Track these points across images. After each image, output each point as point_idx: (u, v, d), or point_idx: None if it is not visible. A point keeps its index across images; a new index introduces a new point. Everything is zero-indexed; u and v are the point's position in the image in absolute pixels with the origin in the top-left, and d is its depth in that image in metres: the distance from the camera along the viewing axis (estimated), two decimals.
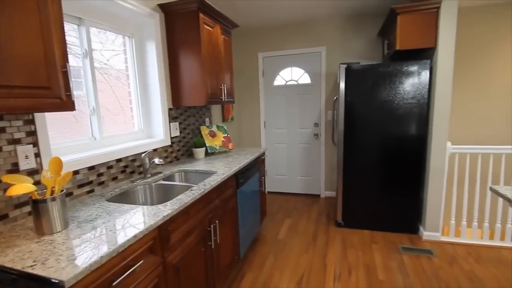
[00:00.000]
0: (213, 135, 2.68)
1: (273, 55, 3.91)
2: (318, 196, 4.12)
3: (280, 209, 3.68)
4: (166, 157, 2.29)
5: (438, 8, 2.38)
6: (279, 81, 3.98)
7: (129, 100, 2.14)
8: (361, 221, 3.01)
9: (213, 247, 1.72)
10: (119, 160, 1.79)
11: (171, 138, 2.34)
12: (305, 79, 3.86)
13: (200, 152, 2.48)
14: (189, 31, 2.17)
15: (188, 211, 1.46)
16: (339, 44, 3.63)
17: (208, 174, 2.04)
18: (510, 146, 2.46)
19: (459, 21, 3.24)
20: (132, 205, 1.35)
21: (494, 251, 2.52)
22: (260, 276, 2.25)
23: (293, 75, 3.91)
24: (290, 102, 3.98)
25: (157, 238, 1.20)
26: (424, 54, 2.83)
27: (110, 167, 1.72)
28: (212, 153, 2.69)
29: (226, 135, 2.79)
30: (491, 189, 1.48)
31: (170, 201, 1.39)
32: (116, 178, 1.77)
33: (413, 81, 2.60)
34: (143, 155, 1.87)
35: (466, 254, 2.50)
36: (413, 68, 2.57)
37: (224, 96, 2.58)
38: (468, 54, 3.27)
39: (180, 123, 2.47)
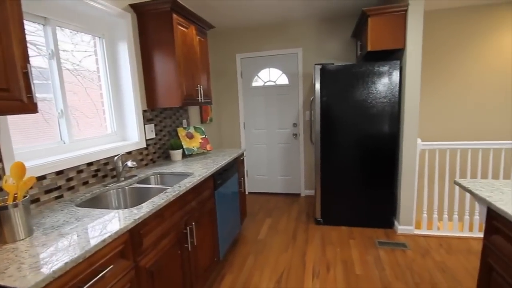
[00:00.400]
0: (190, 136, 2.65)
1: (251, 56, 3.93)
2: (298, 195, 4.18)
3: (261, 209, 3.70)
4: (142, 159, 2.24)
5: (406, 11, 2.48)
6: (257, 82, 4.00)
7: (101, 102, 2.09)
8: (340, 218, 3.08)
9: (190, 249, 1.70)
10: (90, 164, 1.73)
11: (147, 140, 2.29)
12: (283, 80, 3.91)
13: (177, 154, 2.45)
14: (163, 31, 2.14)
15: (162, 214, 1.44)
16: (314, 45, 3.71)
17: (184, 176, 2.02)
18: (475, 142, 2.60)
19: (427, 24, 3.40)
20: (103, 210, 1.31)
21: (464, 242, 2.65)
22: (240, 276, 2.25)
23: (271, 76, 3.94)
24: (269, 102, 4.01)
25: (129, 242, 1.18)
26: (395, 54, 2.94)
27: (80, 172, 1.67)
28: (190, 155, 2.66)
29: (204, 136, 2.77)
30: (455, 182, 1.56)
31: (143, 204, 1.36)
32: (87, 182, 1.72)
33: (385, 81, 2.70)
34: (115, 158, 1.82)
35: (437, 245, 2.61)
36: (384, 68, 2.67)
37: (201, 97, 2.57)
38: (436, 55, 3.43)
39: (155, 125, 2.42)
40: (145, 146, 2.26)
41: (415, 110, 2.61)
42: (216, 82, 4.10)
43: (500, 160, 3.14)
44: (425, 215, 2.80)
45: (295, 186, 4.17)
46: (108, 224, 1.15)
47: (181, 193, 1.57)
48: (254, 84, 4.02)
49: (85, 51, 1.97)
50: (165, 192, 1.53)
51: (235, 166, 2.65)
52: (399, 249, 2.58)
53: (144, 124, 2.26)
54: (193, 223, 1.74)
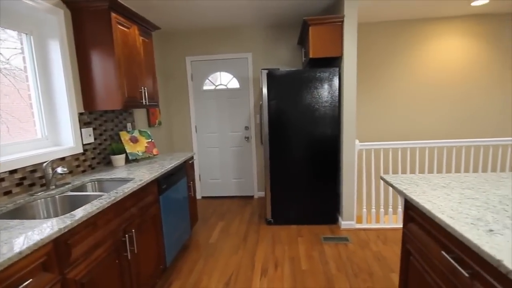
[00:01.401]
0: (134, 140, 2.55)
1: (201, 59, 3.91)
2: (251, 197, 4.23)
3: (214, 213, 3.67)
4: (78, 166, 2.09)
5: (342, 22, 2.69)
6: (208, 85, 3.99)
7: (30, 104, 1.91)
8: (289, 217, 3.19)
9: (129, 257, 1.63)
10: (13, 172, 1.57)
11: (84, 145, 2.15)
12: (234, 83, 3.95)
13: (119, 159, 2.33)
14: (101, 30, 2.04)
15: (95, 222, 1.36)
16: (264, 51, 3.82)
17: (124, 181, 1.93)
18: (405, 142, 2.89)
19: (365, 35, 3.71)
20: (24, 220, 1.20)
21: (397, 233, 2.92)
22: (188, 282, 2.21)
23: (222, 79, 3.96)
24: (221, 106, 4.02)
25: (53, 253, 1.09)
26: (336, 62, 3.16)
27: (1, 180, 1.51)
28: (134, 160, 2.55)
29: (150, 140, 2.68)
30: (381, 178, 1.72)
31: (72, 212, 1.28)
32: (10, 192, 1.56)
33: (326, 86, 2.89)
34: (44, 164, 1.68)
35: (375, 237, 2.85)
36: (325, 74, 2.85)
37: (146, 100, 2.48)
38: (372, 64, 3.76)
39: (94, 129, 2.28)
40: (81, 151, 2.11)
41: (352, 114, 2.83)
42: (165, 85, 4.00)
43: (424, 157, 3.54)
44: (364, 210, 3.04)
45: (248, 188, 4.22)
46: (27, 234, 1.05)
47: (117, 199, 1.50)
48: (205, 87, 3.99)
49: (15, 48, 1.79)
50: (99, 199, 1.45)
51: (184, 170, 2.61)
52: (342, 243, 2.75)
53: (81, 128, 2.12)
54: (133, 231, 1.67)
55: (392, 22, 3.69)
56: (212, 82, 3.98)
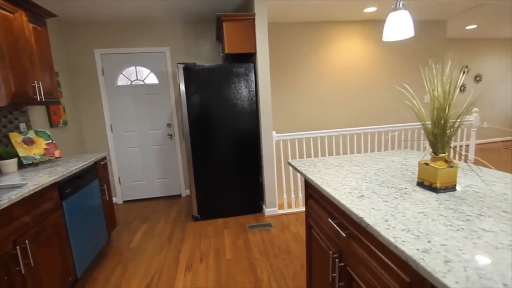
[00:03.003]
0: (30, 142, 2.22)
1: (113, 52, 3.61)
2: (179, 196, 4.13)
3: (136, 216, 3.47)
4: None
5: (254, 19, 2.82)
6: (123, 80, 3.72)
7: None
8: (216, 211, 3.23)
9: (23, 272, 1.44)
10: None
11: None
12: (152, 79, 3.77)
13: (9, 164, 2.01)
14: None
15: None
16: (184, 46, 3.74)
17: (14, 188, 1.68)
18: (317, 131, 3.20)
19: (278, 34, 3.96)
20: None
21: None
22: None
23: (138, 74, 3.74)
24: (139, 103, 3.80)
25: None
26: (252, 57, 3.30)
27: None
28: (30, 164, 2.23)
29: (50, 141, 2.38)
30: (288, 163, 1.89)
31: None
32: None
33: (244, 82, 3.00)
34: None
35: (295, 220, 3.10)
36: (241, 70, 2.96)
37: (40, 96, 2.19)
38: (286, 61, 4.05)
39: None
40: None
41: (268, 107, 3.01)
42: (71, 80, 3.58)
43: (332, 144, 4.00)
44: (285, 196, 3.27)
45: (175, 187, 4.11)
46: None
47: (0, 208, 1.31)
48: (119, 83, 3.71)
49: None
50: None
51: (94, 172, 2.39)
52: (265, 229, 2.92)
53: None
54: (27, 242, 1.47)
55: (302, 23, 4.02)
56: (127, 77, 3.72)
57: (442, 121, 1.08)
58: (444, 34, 4.46)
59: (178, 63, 2.82)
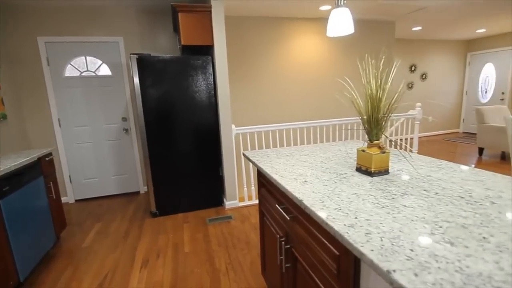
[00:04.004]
0: None
1: (59, 40, 3.35)
2: (137, 193, 3.99)
3: (90, 215, 3.29)
4: None
5: (210, 11, 2.80)
6: (72, 71, 3.47)
7: None
8: (175, 206, 3.17)
9: None
10: None
11: None
12: (105, 70, 3.57)
13: None
14: None
15: None
16: (139, 37, 3.58)
17: None
18: (275, 124, 3.28)
19: (236, 27, 3.96)
20: None
21: None
22: None
23: (89, 65, 3.52)
24: (90, 95, 3.58)
25: None
26: (210, 50, 3.27)
27: None
28: None
29: None
30: (243, 154, 1.92)
31: None
32: None
33: (202, 74, 2.96)
34: None
35: (255, 212, 3.16)
36: (198, 62, 2.92)
37: None
38: (246, 55, 4.07)
39: None
40: None
41: (227, 100, 3.01)
42: (11, 70, 3.25)
43: (290, 136, 4.12)
44: (245, 188, 3.32)
45: (133, 184, 3.96)
46: None
47: None
48: (67, 74, 3.46)
49: None
50: None
51: (37, 169, 2.23)
52: (225, 221, 2.94)
53: None
54: None
55: (261, 18, 4.06)
56: (76, 68, 3.48)
57: (376, 111, 1.18)
58: (393, 34, 4.79)
59: (131, 54, 2.70)
